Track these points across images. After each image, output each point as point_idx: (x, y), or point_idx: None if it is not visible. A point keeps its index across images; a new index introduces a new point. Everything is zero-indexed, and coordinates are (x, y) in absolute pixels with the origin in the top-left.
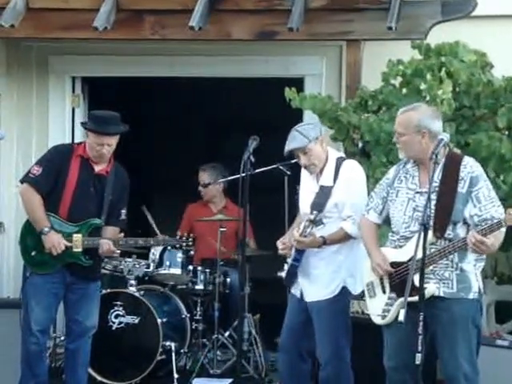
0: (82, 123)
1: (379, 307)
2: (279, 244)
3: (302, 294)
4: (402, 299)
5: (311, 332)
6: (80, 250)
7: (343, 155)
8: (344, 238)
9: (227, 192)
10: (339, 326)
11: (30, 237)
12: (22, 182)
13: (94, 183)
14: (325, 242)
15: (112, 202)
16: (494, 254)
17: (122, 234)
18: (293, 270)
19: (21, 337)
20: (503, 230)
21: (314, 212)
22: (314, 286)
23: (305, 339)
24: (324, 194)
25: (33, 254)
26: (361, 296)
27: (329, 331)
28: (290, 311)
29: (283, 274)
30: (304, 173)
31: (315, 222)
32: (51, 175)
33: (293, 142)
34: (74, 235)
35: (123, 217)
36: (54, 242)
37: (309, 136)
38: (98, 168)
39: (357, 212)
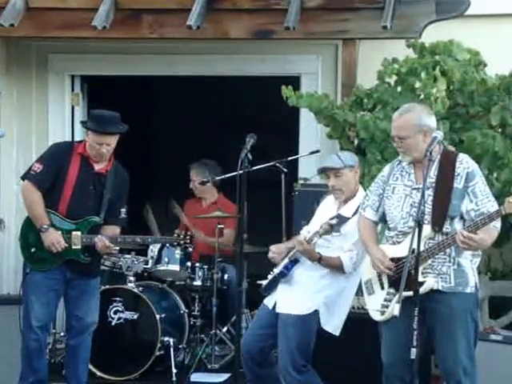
0: (82, 122)
1: (378, 303)
2: (272, 248)
3: (274, 307)
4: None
5: (271, 345)
6: (79, 247)
7: None
8: (337, 266)
9: (222, 188)
10: (300, 347)
11: (30, 233)
12: (22, 178)
13: (93, 181)
14: (320, 259)
15: (111, 201)
16: (488, 249)
17: (119, 232)
18: (279, 277)
19: (21, 333)
20: (497, 226)
21: (336, 219)
22: (291, 298)
23: (263, 351)
24: (339, 221)
25: (32, 250)
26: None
27: (290, 348)
28: (256, 321)
29: (264, 282)
30: (328, 199)
31: (334, 229)
32: (52, 172)
33: (329, 161)
34: (73, 233)
35: (123, 215)
36: (54, 239)
37: (345, 161)
38: (97, 167)
39: (359, 251)
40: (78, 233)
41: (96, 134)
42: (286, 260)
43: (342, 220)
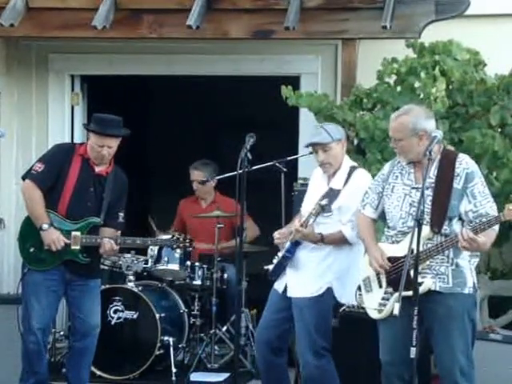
0: (84, 124)
1: (376, 301)
2: (276, 234)
3: (285, 290)
4: (398, 293)
5: (286, 331)
6: (78, 247)
7: (356, 165)
8: (341, 240)
9: (220, 188)
10: (318, 327)
11: (29, 233)
12: (23, 178)
13: (93, 183)
14: (322, 240)
15: (110, 203)
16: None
17: (119, 233)
18: (284, 261)
19: (21, 334)
20: (496, 228)
21: (325, 199)
22: (301, 281)
23: (280, 336)
24: (331, 195)
25: (31, 250)
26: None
27: (308, 330)
28: (269, 307)
29: (270, 267)
30: (316, 174)
31: (325, 209)
32: (53, 173)
33: (316, 136)
34: (73, 233)
35: (121, 219)
36: (54, 238)
37: (333, 135)
38: (98, 168)
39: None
40: (78, 233)
41: (97, 136)
42: (288, 243)
43: (334, 193)
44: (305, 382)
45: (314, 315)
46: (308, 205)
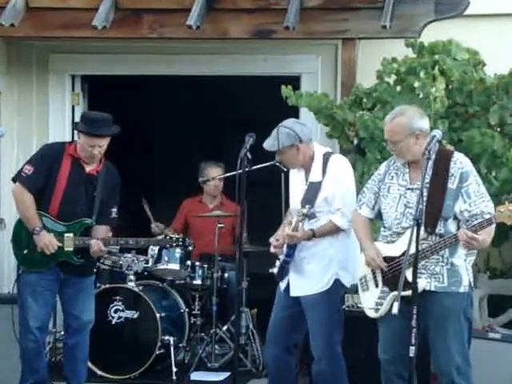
0: (75, 124)
1: (372, 301)
2: (272, 241)
3: (287, 288)
4: (394, 293)
5: (298, 326)
6: (71, 249)
7: (330, 150)
8: (333, 230)
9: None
10: (333, 320)
11: (22, 235)
12: (14, 180)
13: (84, 183)
14: (314, 235)
15: (103, 202)
16: (487, 248)
17: (111, 234)
18: (285, 265)
19: (16, 337)
20: (493, 225)
21: (307, 206)
22: (307, 280)
23: (291, 333)
24: (313, 189)
25: (25, 252)
26: (354, 290)
27: (323, 325)
28: (277, 305)
29: (275, 270)
30: (293, 170)
31: (309, 216)
32: (42, 174)
33: (267, 141)
34: (66, 234)
35: (114, 215)
36: (46, 241)
37: (281, 142)
38: (88, 168)
39: (345, 205)
40: (71, 235)
41: (88, 137)
42: (285, 247)
43: (315, 187)
44: (316, 377)
45: (327, 310)
46: (293, 202)
